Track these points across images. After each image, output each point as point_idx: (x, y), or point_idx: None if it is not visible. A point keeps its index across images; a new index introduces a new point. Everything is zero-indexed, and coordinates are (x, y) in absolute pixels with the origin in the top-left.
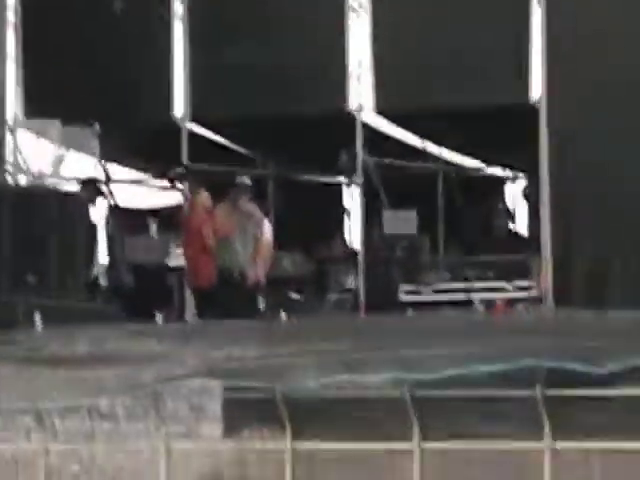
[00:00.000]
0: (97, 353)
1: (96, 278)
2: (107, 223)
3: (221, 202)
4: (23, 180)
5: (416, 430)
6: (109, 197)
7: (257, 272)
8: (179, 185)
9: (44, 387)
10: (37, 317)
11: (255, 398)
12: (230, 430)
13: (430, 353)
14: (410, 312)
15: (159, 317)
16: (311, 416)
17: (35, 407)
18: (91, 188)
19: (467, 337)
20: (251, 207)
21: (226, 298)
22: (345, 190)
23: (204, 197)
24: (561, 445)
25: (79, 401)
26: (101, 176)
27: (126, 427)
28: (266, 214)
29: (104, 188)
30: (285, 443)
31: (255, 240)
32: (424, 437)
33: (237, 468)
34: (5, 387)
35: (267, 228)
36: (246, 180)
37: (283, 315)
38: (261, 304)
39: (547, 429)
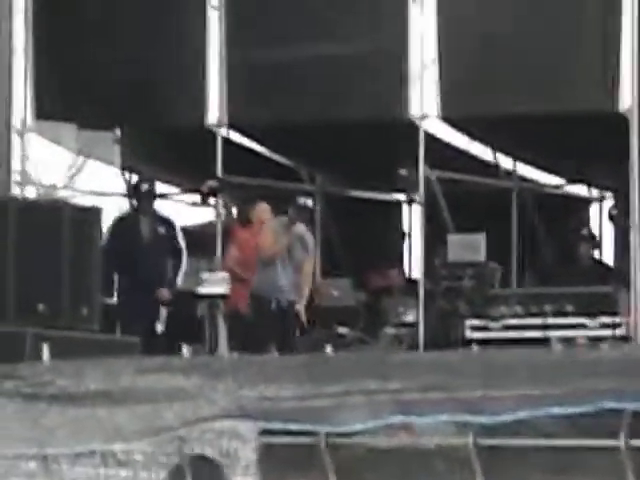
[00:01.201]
0: (112, 390)
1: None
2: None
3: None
4: (32, 192)
5: None
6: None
7: (298, 304)
8: (212, 200)
9: (51, 428)
10: (45, 348)
11: (294, 444)
12: None
13: (495, 394)
14: (474, 348)
15: (186, 350)
16: (357, 465)
17: (40, 451)
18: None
19: (539, 377)
20: (304, 231)
21: (260, 329)
22: (404, 209)
23: (264, 210)
24: None
25: (91, 445)
26: (122, 189)
27: (146, 477)
28: (312, 235)
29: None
30: None
31: (300, 268)
32: None
33: None
34: (7, 428)
35: (312, 256)
36: (308, 201)
37: (328, 350)
38: (299, 340)
39: None
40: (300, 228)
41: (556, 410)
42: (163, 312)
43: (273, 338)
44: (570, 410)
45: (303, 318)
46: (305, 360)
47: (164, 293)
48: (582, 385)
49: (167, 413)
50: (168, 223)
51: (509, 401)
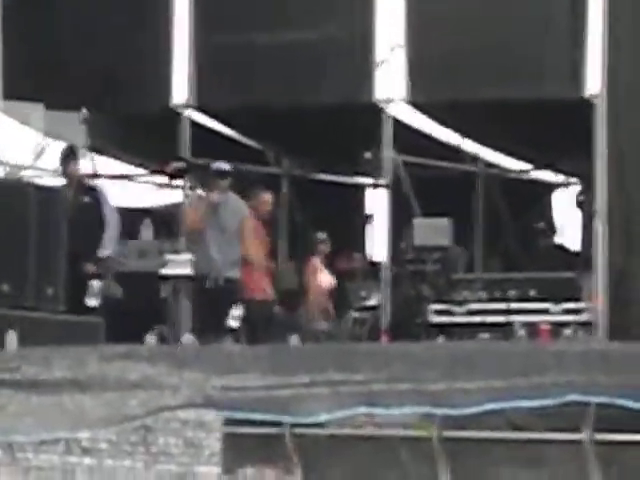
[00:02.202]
0: (78, 377)
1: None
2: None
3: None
4: None
5: (445, 478)
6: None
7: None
8: (178, 182)
9: (16, 415)
10: (11, 334)
11: (258, 434)
12: (230, 470)
13: (461, 386)
14: (440, 338)
15: (151, 337)
16: (322, 456)
17: (6, 439)
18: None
19: (505, 368)
20: (227, 197)
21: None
22: (369, 193)
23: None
24: None
25: (57, 433)
26: (88, 169)
27: (111, 464)
28: (274, 219)
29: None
30: None
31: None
32: None
33: None
34: None
35: (252, 225)
36: (223, 165)
37: (294, 338)
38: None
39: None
40: (215, 196)
41: (522, 403)
42: (94, 286)
43: (210, 316)
44: (536, 403)
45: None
46: (271, 350)
47: (88, 267)
48: (548, 378)
49: (132, 401)
50: (94, 192)
51: (475, 393)
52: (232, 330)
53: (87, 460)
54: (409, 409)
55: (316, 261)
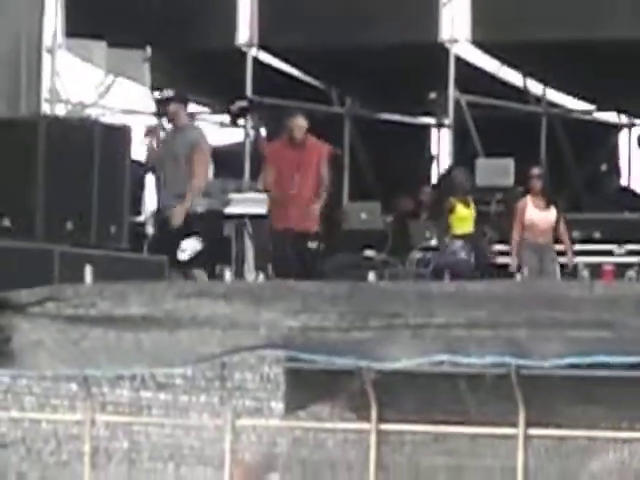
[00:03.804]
0: (154, 314)
1: (143, 225)
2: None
3: None
4: (61, 109)
5: (522, 415)
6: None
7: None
8: (242, 121)
9: (92, 351)
10: (87, 270)
11: (327, 369)
12: (302, 407)
13: (544, 333)
14: (518, 276)
15: (227, 274)
16: (396, 391)
17: (82, 373)
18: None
19: (586, 311)
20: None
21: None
22: (433, 133)
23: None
24: None
25: (132, 369)
26: (151, 107)
27: (186, 400)
28: (339, 157)
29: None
30: (370, 424)
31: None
32: (529, 423)
33: (313, 449)
34: (48, 349)
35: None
36: (167, 92)
37: (371, 277)
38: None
39: None
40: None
41: (604, 358)
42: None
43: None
44: (618, 359)
45: (175, 220)
46: (348, 289)
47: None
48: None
49: (209, 339)
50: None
51: (556, 344)
52: (182, 263)
53: (162, 395)
54: (489, 358)
55: (526, 199)
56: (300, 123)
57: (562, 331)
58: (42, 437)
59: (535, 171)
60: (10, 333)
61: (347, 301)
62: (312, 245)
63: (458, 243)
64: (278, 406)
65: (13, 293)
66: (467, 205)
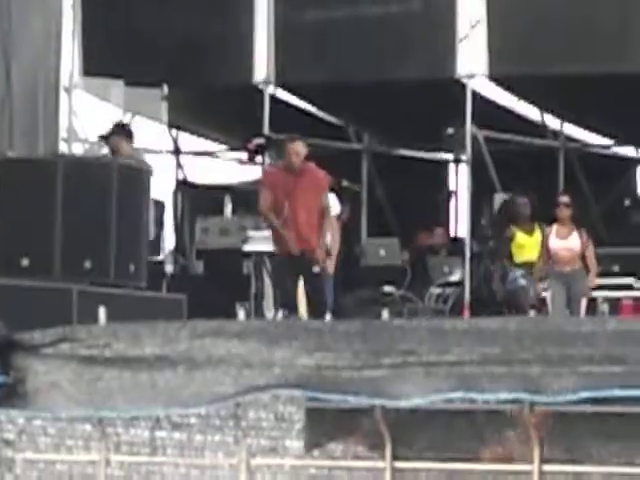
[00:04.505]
0: (169, 354)
1: (162, 263)
2: (175, 201)
3: None
4: (79, 149)
5: (537, 451)
6: (178, 171)
7: None
8: (259, 158)
9: (107, 392)
10: (101, 310)
11: (343, 408)
12: (320, 445)
13: (557, 370)
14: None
15: (241, 313)
16: (409, 429)
17: (96, 414)
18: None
19: (599, 347)
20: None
21: None
22: (451, 168)
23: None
24: None
25: (149, 411)
26: (169, 146)
27: (201, 440)
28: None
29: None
30: (385, 462)
31: None
32: (544, 459)
33: None
34: (63, 390)
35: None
36: (120, 121)
37: (385, 315)
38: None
39: None
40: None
41: (618, 392)
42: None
43: None
44: (632, 392)
45: None
46: (361, 327)
47: None
48: None
49: (224, 379)
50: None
51: (569, 379)
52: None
53: (177, 435)
54: (503, 394)
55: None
56: (298, 149)
57: (575, 367)
58: (57, 478)
59: (563, 199)
60: (24, 374)
61: (360, 339)
62: (315, 270)
63: (518, 272)
64: (293, 445)
65: (27, 334)
66: (528, 233)
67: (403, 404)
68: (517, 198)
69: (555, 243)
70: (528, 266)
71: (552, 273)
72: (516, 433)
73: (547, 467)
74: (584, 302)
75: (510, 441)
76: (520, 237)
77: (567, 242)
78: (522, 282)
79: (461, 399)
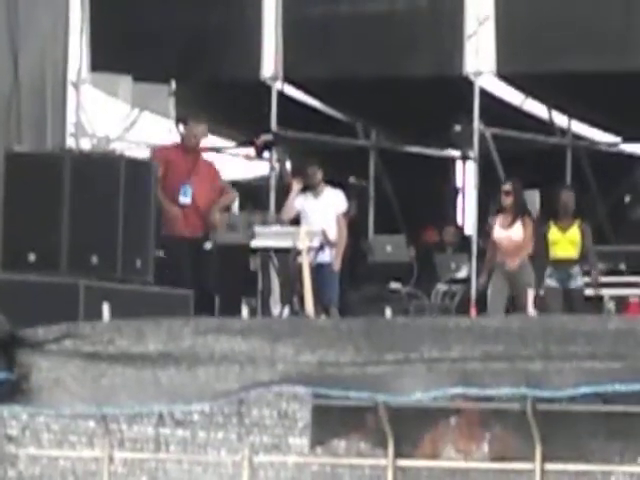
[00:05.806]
0: (172, 351)
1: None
2: None
3: None
4: (86, 144)
5: (539, 449)
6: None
7: None
8: (266, 154)
9: (111, 388)
10: (105, 307)
11: (347, 406)
12: (322, 442)
13: (559, 366)
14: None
15: (244, 309)
16: (413, 427)
17: (100, 410)
18: None
19: (601, 344)
20: None
21: None
22: (458, 165)
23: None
24: None
25: (152, 407)
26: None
27: (204, 437)
28: (365, 190)
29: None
30: (386, 460)
31: None
32: (545, 457)
33: None
34: (67, 386)
35: None
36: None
37: (388, 313)
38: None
39: None
40: None
41: (618, 387)
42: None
43: None
44: (632, 387)
45: None
46: (364, 324)
47: None
48: None
49: (227, 376)
50: None
51: (570, 375)
52: None
53: (180, 432)
54: (504, 389)
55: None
56: (200, 130)
57: (577, 363)
58: (60, 474)
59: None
60: (28, 370)
61: (363, 336)
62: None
63: (547, 270)
64: (296, 442)
65: (30, 330)
66: (563, 230)
67: (405, 400)
68: (564, 191)
69: (498, 233)
70: (561, 264)
71: (496, 265)
72: (516, 431)
73: (549, 466)
74: (531, 293)
75: (509, 439)
76: (553, 233)
77: (509, 232)
78: (549, 283)
79: (463, 395)
